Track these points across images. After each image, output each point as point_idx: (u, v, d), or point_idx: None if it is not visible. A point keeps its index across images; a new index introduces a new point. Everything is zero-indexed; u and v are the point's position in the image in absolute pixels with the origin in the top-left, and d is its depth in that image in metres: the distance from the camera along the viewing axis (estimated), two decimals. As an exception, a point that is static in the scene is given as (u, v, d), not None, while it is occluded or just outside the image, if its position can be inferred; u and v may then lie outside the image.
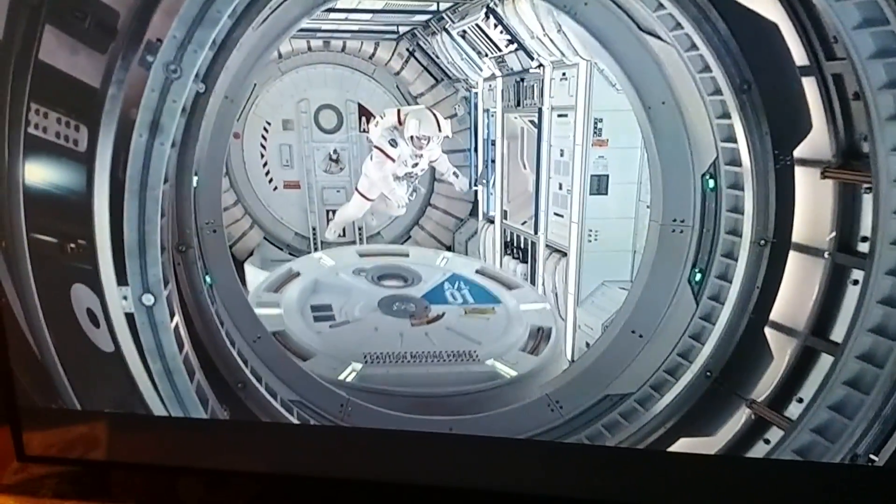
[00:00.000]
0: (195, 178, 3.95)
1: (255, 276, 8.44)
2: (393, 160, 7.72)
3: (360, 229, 9.77)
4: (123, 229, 3.37)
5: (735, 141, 3.96)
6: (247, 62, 4.05)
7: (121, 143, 3.29)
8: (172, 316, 3.63)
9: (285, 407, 4.22)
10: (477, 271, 6.61)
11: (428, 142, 7.65)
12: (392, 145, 7.64)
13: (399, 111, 7.81)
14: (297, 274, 6.29)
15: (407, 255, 6.94)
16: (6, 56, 3.15)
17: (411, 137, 7.60)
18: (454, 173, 8.33)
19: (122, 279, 3.45)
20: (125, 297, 3.47)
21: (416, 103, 9.87)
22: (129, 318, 3.53)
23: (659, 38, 4.14)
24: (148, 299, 3.51)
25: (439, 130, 7.65)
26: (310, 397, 4.34)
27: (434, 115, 7.70)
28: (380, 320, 5.69)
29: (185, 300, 3.99)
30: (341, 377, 4.96)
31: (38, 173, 3.32)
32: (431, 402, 4.81)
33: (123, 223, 3.36)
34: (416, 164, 7.92)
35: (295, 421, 4.18)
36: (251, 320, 4.40)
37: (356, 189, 8.33)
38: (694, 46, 3.91)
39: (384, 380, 5.03)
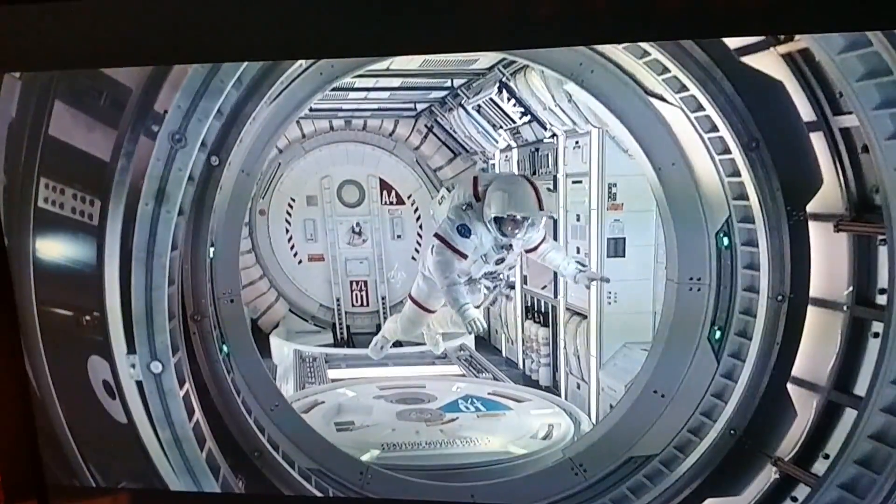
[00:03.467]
0: (211, 249, 4.03)
1: (280, 347, 8.49)
2: (463, 256, 5.11)
3: (382, 299, 9.79)
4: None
5: (747, 198, 3.99)
6: (262, 137, 4.16)
7: (130, 215, 3.39)
8: (182, 383, 3.65)
9: (303, 476, 4.19)
10: (490, 393, 6.69)
11: (522, 227, 5.03)
12: (463, 234, 5.06)
13: (476, 180, 5.26)
14: (322, 402, 6.40)
15: (423, 387, 6.84)
16: (20, 132, 3.26)
17: (496, 220, 5.02)
18: (579, 268, 5.34)
19: (132, 348, 3.50)
20: (133, 365, 3.51)
21: (437, 177, 10.00)
22: (140, 386, 3.56)
23: (665, 100, 4.21)
24: (156, 367, 3.56)
25: (540, 208, 4.97)
26: (329, 465, 4.30)
27: (531, 184, 5.06)
28: (397, 424, 5.89)
29: (201, 369, 4.01)
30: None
31: (54, 248, 3.42)
32: (450, 474, 4.76)
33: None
34: (502, 261, 5.32)
35: (313, 489, 4.14)
36: (269, 389, 4.40)
37: (410, 297, 5.79)
38: (700, 107, 3.98)
39: (402, 458, 5.10)
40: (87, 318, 3.50)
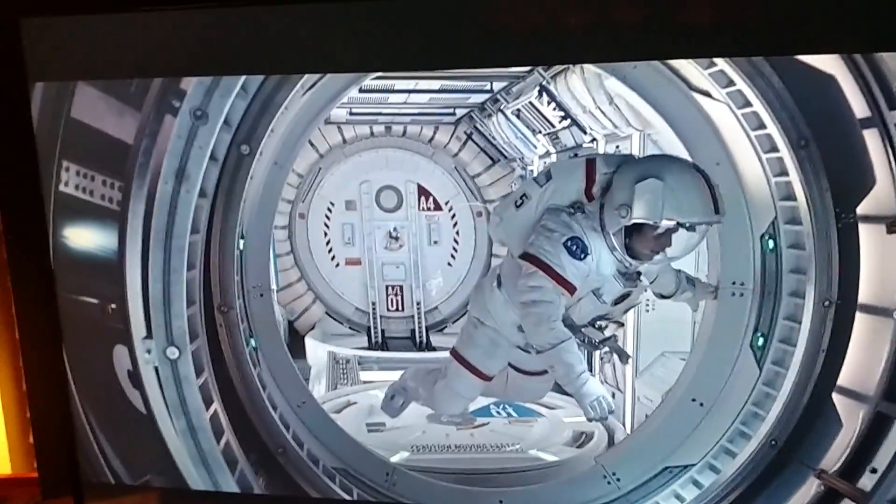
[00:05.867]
0: (241, 241, 4.00)
1: (315, 348, 8.51)
2: (571, 290, 3.42)
3: (418, 304, 9.70)
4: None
5: (794, 199, 3.83)
6: (295, 129, 4.10)
7: (153, 197, 3.35)
8: (201, 372, 3.60)
9: (328, 475, 4.11)
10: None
11: (666, 244, 3.45)
12: (575, 253, 3.36)
13: (592, 165, 3.52)
14: (354, 403, 6.36)
15: None
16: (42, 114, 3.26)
17: (630, 231, 3.39)
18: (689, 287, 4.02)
19: (149, 333, 3.47)
20: (149, 350, 3.47)
21: (475, 183, 9.92)
22: (158, 373, 3.54)
23: (711, 96, 4.07)
24: (172, 352, 3.51)
25: (716, 211, 3.35)
26: (355, 465, 4.22)
27: (698, 170, 3.43)
28: (427, 426, 5.69)
29: (226, 361, 3.96)
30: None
31: (76, 234, 3.40)
32: (479, 478, 4.62)
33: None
34: (623, 299, 3.71)
35: (338, 489, 4.07)
36: (297, 385, 4.33)
37: (455, 354, 4.09)
38: (748, 103, 3.83)
39: (432, 461, 4.98)
40: (113, 306, 3.48)
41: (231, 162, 3.67)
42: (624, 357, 3.90)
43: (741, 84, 3.74)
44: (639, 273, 3.57)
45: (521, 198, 3.62)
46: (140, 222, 3.35)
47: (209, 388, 3.71)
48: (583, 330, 3.63)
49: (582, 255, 3.36)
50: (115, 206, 3.35)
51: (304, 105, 4.01)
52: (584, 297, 3.53)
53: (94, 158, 3.37)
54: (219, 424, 3.74)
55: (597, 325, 3.69)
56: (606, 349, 3.77)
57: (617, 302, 3.63)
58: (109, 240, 3.39)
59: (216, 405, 3.73)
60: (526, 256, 3.43)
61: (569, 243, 3.35)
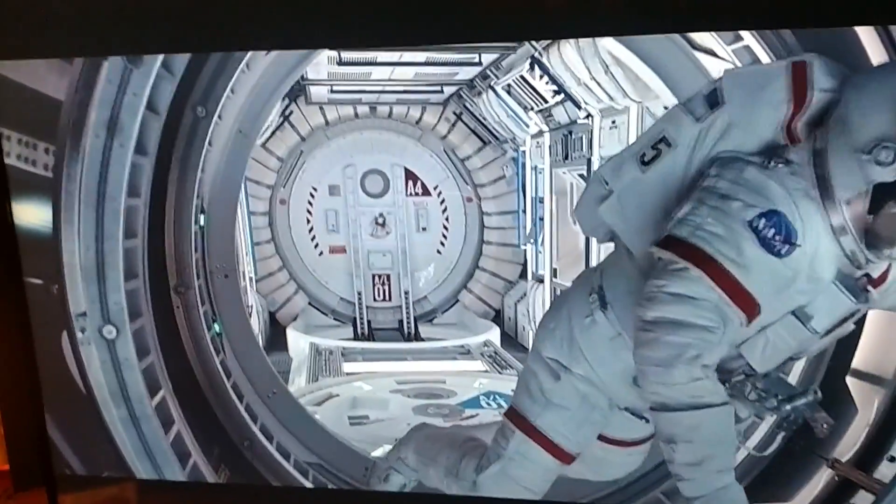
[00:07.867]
0: (202, 217, 3.70)
1: (296, 340, 8.26)
2: (753, 309, 1.98)
3: (405, 293, 9.47)
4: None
5: (806, 168, 3.56)
6: (261, 94, 3.82)
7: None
8: (146, 355, 3.30)
9: (299, 469, 3.87)
10: (513, 390, 6.33)
11: None
12: (774, 245, 1.89)
13: (803, 71, 2.05)
14: (336, 395, 6.13)
15: (444, 382, 6.53)
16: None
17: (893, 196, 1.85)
18: None
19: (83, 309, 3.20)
20: (83, 329, 3.17)
21: (465, 167, 9.69)
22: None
23: (716, 55, 3.78)
24: (109, 331, 3.20)
25: None
26: (329, 459, 3.97)
27: None
28: (413, 419, 5.40)
29: (185, 347, 3.69)
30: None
31: (23, 209, 3.12)
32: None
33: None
34: (844, 322, 2.20)
35: (310, 485, 3.83)
36: (266, 374, 4.08)
37: (515, 420, 2.82)
38: (757, 60, 3.52)
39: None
40: (56, 286, 3.19)
41: (186, 125, 3.38)
42: (823, 427, 2.41)
43: (749, 40, 3.46)
44: (869, 278, 2.12)
45: (654, 147, 2.13)
46: (76, 186, 3.03)
47: (156, 374, 3.41)
48: (761, 381, 2.26)
49: (785, 248, 1.91)
50: (45, 170, 3.05)
51: (269, 66, 3.72)
52: (776, 323, 2.10)
53: (28, 122, 3.06)
54: (167, 414, 3.45)
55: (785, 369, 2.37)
56: (797, 414, 2.39)
57: (829, 331, 2.20)
58: (44, 210, 3.10)
59: (164, 392, 3.44)
60: (670, 243, 2.01)
61: (761, 224, 1.90)
